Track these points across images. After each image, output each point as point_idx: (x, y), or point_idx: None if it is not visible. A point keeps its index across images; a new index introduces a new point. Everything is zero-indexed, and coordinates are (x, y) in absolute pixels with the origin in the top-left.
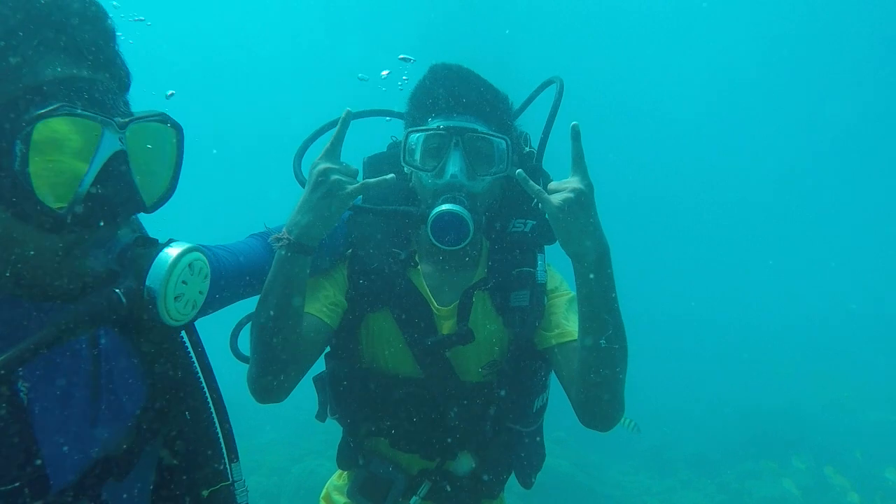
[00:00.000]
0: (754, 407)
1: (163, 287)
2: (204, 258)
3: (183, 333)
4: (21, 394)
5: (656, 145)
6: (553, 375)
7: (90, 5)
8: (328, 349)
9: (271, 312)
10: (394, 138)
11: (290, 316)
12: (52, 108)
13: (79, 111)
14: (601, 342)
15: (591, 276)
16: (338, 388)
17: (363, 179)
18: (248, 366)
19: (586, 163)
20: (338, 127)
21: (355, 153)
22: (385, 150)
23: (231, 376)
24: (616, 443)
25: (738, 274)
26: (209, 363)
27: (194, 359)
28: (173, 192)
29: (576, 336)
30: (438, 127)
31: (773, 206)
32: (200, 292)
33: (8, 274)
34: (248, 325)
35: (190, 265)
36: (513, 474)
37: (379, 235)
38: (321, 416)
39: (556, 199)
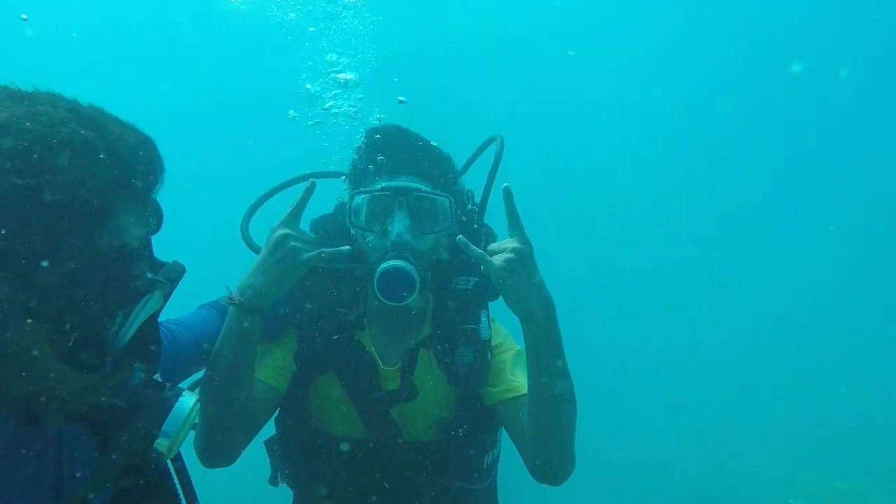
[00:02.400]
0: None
1: (177, 435)
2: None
3: None
4: None
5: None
6: (503, 432)
7: (151, 148)
8: (278, 412)
9: (224, 369)
10: (340, 199)
11: (243, 372)
12: (152, 283)
13: (163, 287)
14: (550, 394)
15: (539, 332)
16: (288, 451)
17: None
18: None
19: (522, 223)
20: (300, 196)
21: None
22: (332, 210)
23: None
24: None
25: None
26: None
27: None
28: None
29: (523, 391)
30: (382, 188)
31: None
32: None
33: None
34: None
35: (196, 415)
36: None
37: (327, 296)
38: (273, 481)
39: (497, 260)
